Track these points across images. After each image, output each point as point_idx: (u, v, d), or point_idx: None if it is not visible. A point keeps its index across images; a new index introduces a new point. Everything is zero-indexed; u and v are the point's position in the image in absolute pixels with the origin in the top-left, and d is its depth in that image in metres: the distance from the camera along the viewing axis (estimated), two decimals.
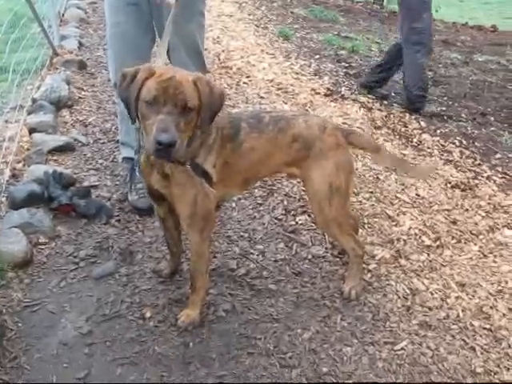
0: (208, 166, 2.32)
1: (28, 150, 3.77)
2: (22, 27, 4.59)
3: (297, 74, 5.63)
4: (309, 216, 3.33)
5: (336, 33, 7.82)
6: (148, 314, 2.58)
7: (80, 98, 4.73)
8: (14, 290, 2.67)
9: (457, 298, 2.85)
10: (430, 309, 2.77)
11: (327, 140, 2.56)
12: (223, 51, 5.93)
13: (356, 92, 5.40)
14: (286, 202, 3.45)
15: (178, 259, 2.81)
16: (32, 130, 3.96)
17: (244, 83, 5.18)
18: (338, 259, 3.03)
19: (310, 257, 3.03)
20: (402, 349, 2.54)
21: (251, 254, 3.01)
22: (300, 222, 3.27)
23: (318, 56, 6.50)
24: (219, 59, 5.71)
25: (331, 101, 5.07)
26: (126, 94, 2.14)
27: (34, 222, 2.98)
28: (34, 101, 4.33)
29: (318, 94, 5.17)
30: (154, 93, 2.03)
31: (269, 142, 2.49)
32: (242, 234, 3.16)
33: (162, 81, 2.05)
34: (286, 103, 4.79)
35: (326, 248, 3.10)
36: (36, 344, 2.40)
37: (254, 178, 2.67)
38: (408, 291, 2.88)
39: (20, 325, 2.49)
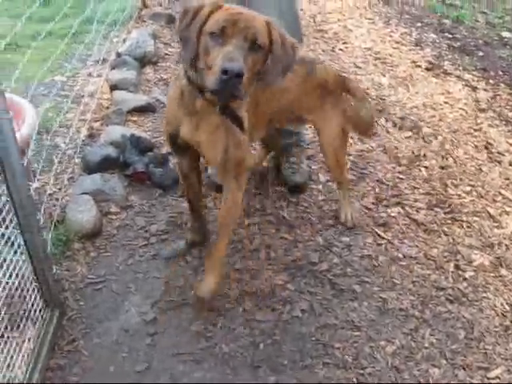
0: (241, 111, 2.12)
1: (107, 108, 3.60)
2: None
3: (397, 43, 5.17)
4: (402, 208, 2.99)
5: None
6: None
7: (166, 54, 4.48)
8: (79, 264, 2.51)
9: None
10: None
11: (338, 88, 2.67)
12: (319, 13, 5.52)
13: (460, 68, 4.91)
14: (377, 190, 3.11)
15: (207, 234, 2.65)
16: (113, 87, 3.78)
17: (340, 50, 4.78)
18: (431, 262, 2.70)
19: (400, 256, 2.71)
20: (497, 377, 2.23)
21: (335, 246, 2.71)
22: (392, 215, 2.94)
23: (419, 24, 5.97)
24: (315, 22, 5.32)
25: (433, 76, 4.62)
26: (187, 31, 1.90)
27: (106, 189, 2.81)
28: (118, 55, 4.14)
29: (419, 67, 4.72)
30: (223, 24, 1.81)
31: (299, 85, 2.47)
32: (327, 221, 2.86)
33: (232, 13, 1.85)
34: (384, 75, 4.39)
35: (419, 247, 2.77)
36: (97, 327, 2.24)
37: (279, 121, 2.66)
38: (507, 307, 2.54)
39: (82, 304, 2.34)
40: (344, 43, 4.92)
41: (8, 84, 2.22)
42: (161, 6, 5.38)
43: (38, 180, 2.92)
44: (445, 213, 3.01)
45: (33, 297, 2.11)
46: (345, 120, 2.70)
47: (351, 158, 3.32)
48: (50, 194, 2.80)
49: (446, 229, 2.90)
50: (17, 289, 2.07)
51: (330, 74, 2.65)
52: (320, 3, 5.83)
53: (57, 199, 2.78)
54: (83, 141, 3.24)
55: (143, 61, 4.14)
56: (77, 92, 3.54)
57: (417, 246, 2.77)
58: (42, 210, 2.49)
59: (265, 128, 2.52)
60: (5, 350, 1.93)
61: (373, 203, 3.01)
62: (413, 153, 3.47)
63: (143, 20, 4.95)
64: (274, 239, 2.71)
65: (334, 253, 2.67)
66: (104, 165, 2.98)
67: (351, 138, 3.50)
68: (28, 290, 2.09)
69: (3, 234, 2.04)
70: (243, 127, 2.15)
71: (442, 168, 3.38)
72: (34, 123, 2.53)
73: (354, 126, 2.79)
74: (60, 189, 2.86)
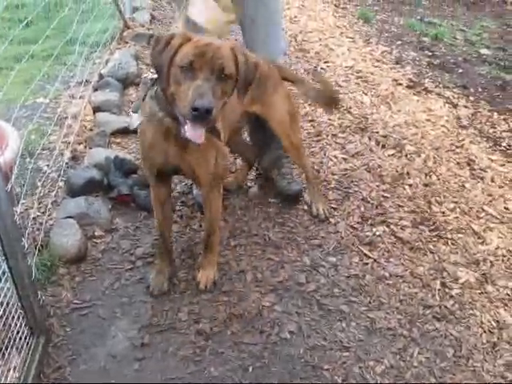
0: (218, 123, 2.20)
1: (91, 130, 3.58)
2: None
3: (377, 61, 5.23)
4: (388, 227, 3.00)
5: (419, 17, 7.31)
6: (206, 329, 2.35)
7: None
8: (65, 289, 2.48)
9: None
10: None
11: (273, 75, 2.78)
12: (300, 32, 5.57)
13: (441, 85, 4.97)
14: (362, 208, 3.12)
15: (173, 262, 2.64)
16: (96, 109, 3.76)
17: (322, 69, 4.82)
18: (418, 280, 2.71)
19: (386, 274, 2.71)
20: None
21: (322, 266, 2.71)
22: (377, 234, 2.94)
23: (399, 42, 6.05)
24: (296, 41, 5.36)
25: (414, 94, 4.67)
26: (159, 59, 1.99)
27: (90, 212, 2.79)
28: (100, 76, 4.13)
29: (400, 84, 4.77)
30: (191, 58, 1.92)
31: None
32: (313, 242, 2.86)
33: (199, 46, 1.95)
34: (366, 94, 4.43)
35: (405, 266, 2.77)
36: (83, 353, 2.21)
37: (235, 123, 2.67)
38: (494, 324, 2.54)
39: (68, 330, 2.31)
40: (326, 62, 4.96)
41: None
42: (143, 26, 5.39)
43: (21, 204, 2.89)
44: (430, 230, 3.03)
45: (18, 324, 2.07)
46: (290, 105, 2.86)
47: (335, 177, 3.34)
48: (33, 218, 2.77)
49: (431, 246, 2.92)
50: (1, 316, 2.04)
51: (264, 65, 2.59)
52: (301, 22, 5.88)
53: (41, 223, 2.75)
54: (67, 163, 3.21)
55: (126, 82, 4.15)
56: (60, 114, 3.52)
57: (403, 265, 2.77)
58: (26, 235, 2.46)
59: (227, 132, 2.54)
60: None
61: (358, 222, 3.01)
62: (396, 171, 3.49)
63: (125, 41, 4.95)
64: (261, 260, 2.70)
65: (320, 273, 2.67)
66: (88, 187, 2.96)
67: (335, 157, 3.54)
68: (13, 318, 2.05)
69: None
70: (220, 137, 2.27)
71: (426, 185, 3.40)
72: (17, 147, 2.51)
73: (316, 101, 3.10)
74: (44, 212, 2.83)
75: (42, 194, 2.96)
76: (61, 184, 3.06)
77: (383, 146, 3.74)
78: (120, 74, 4.15)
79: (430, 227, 3.05)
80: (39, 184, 2.97)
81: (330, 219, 3.01)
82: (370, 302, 2.55)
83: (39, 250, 2.56)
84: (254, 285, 2.57)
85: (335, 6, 6.88)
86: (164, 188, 2.45)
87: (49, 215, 2.82)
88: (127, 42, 4.90)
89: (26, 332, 2.11)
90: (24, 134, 3.30)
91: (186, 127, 1.96)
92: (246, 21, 2.86)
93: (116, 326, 2.35)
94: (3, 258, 1.96)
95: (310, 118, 3.96)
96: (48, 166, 3.19)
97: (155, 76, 2.10)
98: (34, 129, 3.54)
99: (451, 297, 2.65)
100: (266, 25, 2.87)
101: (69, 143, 3.34)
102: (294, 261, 2.72)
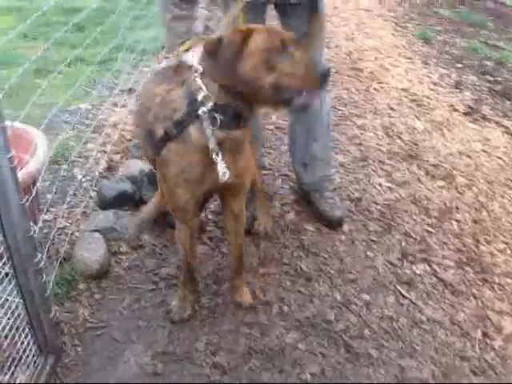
0: None
1: (129, 140, 3.51)
2: (145, 4, 4.36)
3: (434, 84, 5.01)
4: (429, 265, 2.80)
5: (483, 40, 7.02)
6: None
7: None
8: (82, 306, 2.39)
9: None
10: None
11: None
12: (355, 50, 5.40)
13: (500, 113, 4.71)
14: (404, 243, 2.92)
15: (197, 289, 2.48)
16: None
17: (375, 89, 4.64)
18: (456, 327, 2.50)
19: (423, 318, 2.51)
20: None
21: (354, 304, 2.53)
22: (417, 272, 2.74)
23: (459, 65, 5.80)
24: (350, 58, 5.20)
25: (470, 121, 4.43)
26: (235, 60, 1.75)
27: (118, 227, 2.70)
28: None
29: (457, 110, 4.54)
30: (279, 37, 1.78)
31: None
32: (347, 275, 2.69)
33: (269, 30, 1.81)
34: (419, 119, 4.22)
35: (444, 310, 2.57)
36: (93, 376, 2.11)
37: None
38: None
39: (79, 350, 2.21)
40: (379, 82, 4.77)
41: (31, 109, 2.14)
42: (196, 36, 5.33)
43: (48, 212, 2.84)
44: (475, 272, 2.81)
45: (25, 341, 1.99)
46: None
47: (378, 207, 3.15)
48: (59, 228, 2.70)
49: (475, 290, 2.70)
50: (10, 329, 1.96)
51: None
52: (358, 40, 5.71)
53: (67, 234, 2.68)
54: (101, 173, 3.15)
55: None
56: (99, 121, 3.48)
57: (442, 309, 2.57)
58: (48, 246, 2.39)
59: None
60: None
61: (398, 258, 2.82)
62: (444, 204, 3.28)
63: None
64: (289, 292, 2.54)
65: (351, 311, 2.49)
66: (119, 200, 2.88)
67: (379, 185, 3.36)
68: (21, 335, 1.97)
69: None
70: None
71: (475, 222, 3.18)
72: (43, 156, 2.43)
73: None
74: (71, 223, 2.76)
75: (72, 204, 2.90)
76: (93, 194, 2.99)
77: (432, 177, 3.53)
78: None
79: (475, 269, 2.83)
80: (70, 192, 2.90)
81: (368, 252, 2.82)
82: (401, 348, 2.35)
83: (61, 263, 2.49)
84: (279, 318, 2.41)
85: (395, 24, 6.68)
86: (195, 220, 2.23)
87: (76, 226, 2.75)
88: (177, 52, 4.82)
89: (34, 350, 2.03)
90: (61, 139, 3.27)
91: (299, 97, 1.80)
92: None
93: (130, 350, 2.23)
94: (13, 273, 1.88)
95: (357, 142, 3.79)
96: (82, 174, 3.13)
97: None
98: (73, 135, 3.51)
99: (493, 349, 2.43)
100: None
101: (105, 152, 3.28)
102: (324, 295, 2.55)
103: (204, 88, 1.78)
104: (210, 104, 1.78)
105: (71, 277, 2.46)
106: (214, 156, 1.82)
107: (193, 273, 2.39)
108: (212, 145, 1.81)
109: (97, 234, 2.62)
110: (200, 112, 1.79)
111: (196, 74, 1.80)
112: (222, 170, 1.83)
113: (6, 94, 1.83)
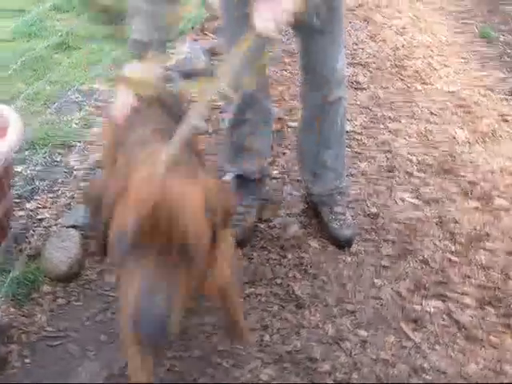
0: None
1: None
2: None
3: (487, 89, 4.54)
4: (443, 302, 2.43)
5: None
6: None
7: None
8: (42, 310, 2.18)
9: None
10: None
11: None
12: (403, 46, 4.97)
13: None
14: (419, 272, 2.56)
15: None
16: None
17: (417, 90, 4.22)
18: (464, 382, 2.14)
19: (426, 366, 2.16)
20: None
21: (347, 340, 2.20)
22: (428, 309, 2.38)
23: None
24: (395, 54, 4.78)
25: None
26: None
27: None
28: (166, 69, 3.81)
29: (507, 121, 4.07)
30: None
31: None
32: (345, 305, 2.36)
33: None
34: (461, 128, 3.79)
35: (453, 359, 2.20)
36: None
37: None
38: None
39: (27, 361, 1.99)
40: (423, 83, 4.34)
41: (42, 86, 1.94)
42: None
43: (33, 200, 2.62)
44: (498, 315, 2.41)
45: None
46: None
47: (396, 226, 2.79)
48: (38, 220, 2.49)
49: (493, 338, 2.31)
50: None
51: None
52: (409, 35, 5.27)
53: (45, 227, 2.46)
54: (98, 161, 2.91)
55: (190, 78, 3.78)
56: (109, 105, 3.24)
57: (450, 357, 2.19)
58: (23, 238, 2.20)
59: None
60: None
61: (408, 290, 2.45)
62: (475, 229, 2.87)
63: (205, 33, 4.58)
64: (274, 319, 2.24)
65: (342, 349, 2.16)
66: None
67: (402, 200, 2.99)
68: None
69: None
70: None
71: (509, 254, 2.77)
72: (16, 141, 2.20)
73: None
74: (51, 215, 2.54)
75: (59, 193, 2.68)
76: (84, 185, 2.76)
77: (466, 195, 3.13)
78: (186, 69, 3.79)
79: (498, 311, 2.43)
80: (59, 181, 2.68)
81: (375, 280, 2.48)
82: None
83: (28, 260, 2.27)
84: (257, 349, 2.11)
85: (455, 19, 6.18)
86: None
87: (55, 219, 2.53)
88: (206, 34, 4.53)
89: None
90: (67, 121, 3.06)
91: None
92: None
93: (84, 367, 2.00)
94: None
95: (386, 148, 3.41)
96: (78, 161, 2.91)
97: None
98: (79, 117, 3.30)
99: None
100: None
101: None
102: (314, 327, 2.22)
103: None
104: None
105: (35, 276, 2.24)
106: None
107: None
108: None
109: (73, 231, 2.39)
110: None
111: None
112: None
113: (22, 67, 1.62)
